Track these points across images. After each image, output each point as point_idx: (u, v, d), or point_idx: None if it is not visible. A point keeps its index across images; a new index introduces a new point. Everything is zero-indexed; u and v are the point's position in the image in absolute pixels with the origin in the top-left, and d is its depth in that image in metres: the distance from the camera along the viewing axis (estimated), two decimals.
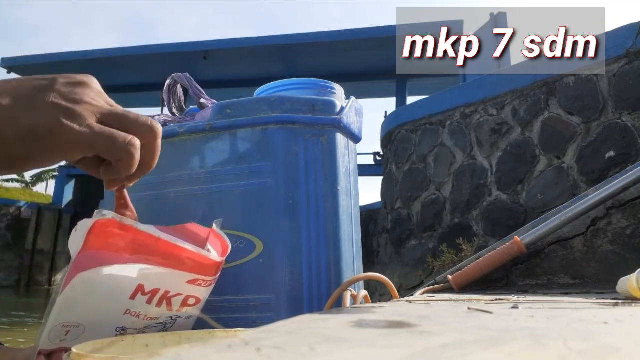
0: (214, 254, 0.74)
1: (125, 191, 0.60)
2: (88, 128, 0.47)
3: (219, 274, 0.75)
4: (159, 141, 0.52)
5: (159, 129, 0.52)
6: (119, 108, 0.51)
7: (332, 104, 1.32)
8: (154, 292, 0.66)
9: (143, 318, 0.67)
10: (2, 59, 12.91)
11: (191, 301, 0.70)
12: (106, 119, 0.48)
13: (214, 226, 0.82)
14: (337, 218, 1.27)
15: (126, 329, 0.67)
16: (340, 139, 1.32)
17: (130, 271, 0.63)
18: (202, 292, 0.71)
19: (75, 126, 0.46)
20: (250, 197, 1.23)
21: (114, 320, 0.65)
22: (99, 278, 0.61)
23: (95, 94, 0.49)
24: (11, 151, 0.45)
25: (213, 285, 0.76)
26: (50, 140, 0.45)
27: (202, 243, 0.77)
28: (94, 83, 0.51)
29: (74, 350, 0.54)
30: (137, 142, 0.49)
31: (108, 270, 0.62)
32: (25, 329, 5.33)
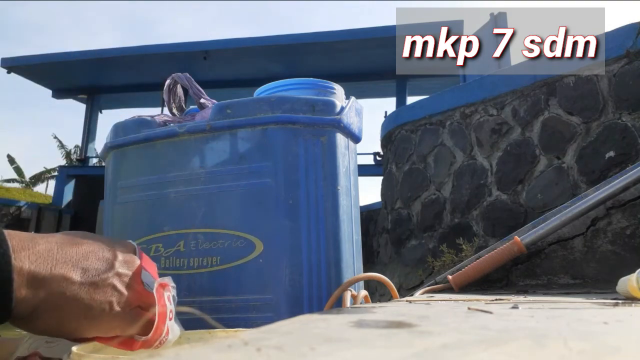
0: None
1: None
2: (130, 315, 0.53)
3: (162, 336, 0.70)
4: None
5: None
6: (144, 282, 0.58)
7: (332, 104, 1.32)
8: None
9: None
10: (2, 59, 12.88)
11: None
12: (140, 303, 0.55)
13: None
14: (337, 218, 1.27)
15: None
16: (340, 139, 1.32)
17: None
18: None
19: (121, 312, 0.52)
20: (250, 197, 1.23)
21: None
22: None
23: (138, 278, 0.56)
24: (65, 322, 0.49)
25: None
26: (99, 321, 0.50)
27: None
28: (138, 262, 0.57)
29: (74, 350, 0.54)
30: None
31: None
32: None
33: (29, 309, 0.47)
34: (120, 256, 0.56)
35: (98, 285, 0.51)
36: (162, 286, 0.66)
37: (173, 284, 0.71)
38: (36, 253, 0.49)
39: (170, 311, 0.67)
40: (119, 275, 0.53)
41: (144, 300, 0.57)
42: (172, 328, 0.68)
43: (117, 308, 0.52)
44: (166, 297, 0.67)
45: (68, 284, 0.49)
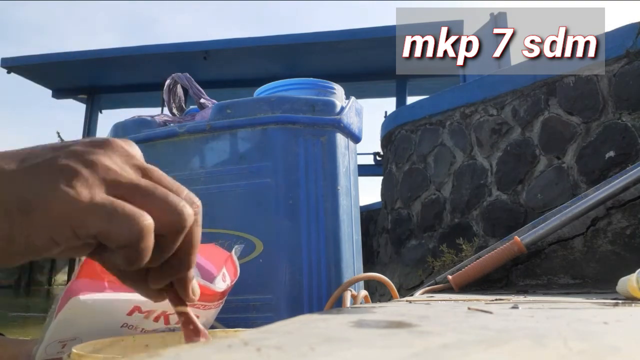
0: (219, 284, 0.73)
1: (190, 312, 0.42)
2: (88, 197, 0.34)
3: (224, 298, 0.75)
4: (191, 231, 0.39)
5: (190, 215, 0.38)
6: (155, 176, 0.38)
7: (332, 104, 1.32)
8: (151, 312, 0.65)
9: (140, 331, 0.67)
10: (2, 59, 12.88)
11: None
12: (123, 190, 0.35)
13: (233, 252, 0.82)
14: (337, 218, 1.27)
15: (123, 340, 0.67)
16: (340, 139, 1.32)
17: (126, 296, 0.62)
18: (203, 313, 0.71)
19: (72, 193, 0.33)
20: (250, 197, 1.24)
21: (111, 333, 0.64)
22: (94, 301, 0.61)
23: (118, 156, 0.37)
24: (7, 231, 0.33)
25: (218, 308, 0.75)
26: (40, 213, 0.33)
27: (218, 267, 0.77)
28: (124, 144, 0.38)
29: (74, 350, 0.54)
30: (146, 224, 0.34)
31: (103, 295, 0.61)
32: (25, 328, 5.33)
33: None
34: (88, 140, 0.38)
35: (39, 171, 0.35)
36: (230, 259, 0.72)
37: (238, 253, 0.76)
38: None
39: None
40: (74, 152, 0.36)
41: (122, 182, 0.36)
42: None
43: (65, 189, 0.33)
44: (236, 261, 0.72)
45: None
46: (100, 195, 0.34)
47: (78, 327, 0.62)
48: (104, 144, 0.37)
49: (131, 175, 0.37)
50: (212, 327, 0.77)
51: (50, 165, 0.35)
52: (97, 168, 0.35)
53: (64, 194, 0.33)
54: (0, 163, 0.35)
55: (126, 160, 0.38)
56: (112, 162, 0.36)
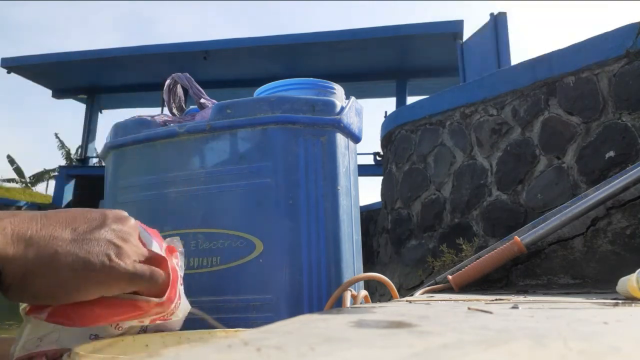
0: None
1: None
2: (132, 266, 0.52)
3: (176, 299, 0.67)
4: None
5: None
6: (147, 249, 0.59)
7: (332, 104, 1.32)
8: None
9: (115, 327, 0.65)
10: (2, 59, 12.87)
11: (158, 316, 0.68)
12: (143, 259, 0.56)
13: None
14: (337, 218, 1.27)
15: (99, 337, 0.65)
16: (340, 139, 1.32)
17: None
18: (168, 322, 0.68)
19: (122, 263, 0.51)
20: (250, 197, 1.23)
21: (87, 328, 0.63)
22: None
23: (134, 232, 0.57)
24: (62, 281, 0.48)
25: (176, 302, 0.67)
26: (99, 274, 0.50)
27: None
28: (133, 222, 0.58)
29: (74, 350, 0.54)
30: (166, 281, 0.57)
31: None
32: None
33: (19, 271, 0.45)
34: (112, 215, 0.55)
35: (91, 240, 0.50)
36: (170, 251, 0.66)
37: (181, 249, 0.70)
38: (19, 218, 0.48)
39: (180, 277, 0.67)
40: (113, 230, 0.53)
41: (146, 255, 0.56)
42: (183, 297, 0.67)
43: (116, 260, 0.51)
44: (175, 263, 0.66)
45: (58, 241, 0.48)
46: (138, 264, 0.54)
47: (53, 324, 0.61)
48: (125, 222, 0.56)
49: (143, 248, 0.57)
50: (212, 327, 0.76)
51: (99, 240, 0.51)
52: (130, 243, 0.54)
53: (117, 264, 0.51)
54: (54, 230, 0.49)
55: (136, 234, 0.57)
56: (133, 238, 0.56)
